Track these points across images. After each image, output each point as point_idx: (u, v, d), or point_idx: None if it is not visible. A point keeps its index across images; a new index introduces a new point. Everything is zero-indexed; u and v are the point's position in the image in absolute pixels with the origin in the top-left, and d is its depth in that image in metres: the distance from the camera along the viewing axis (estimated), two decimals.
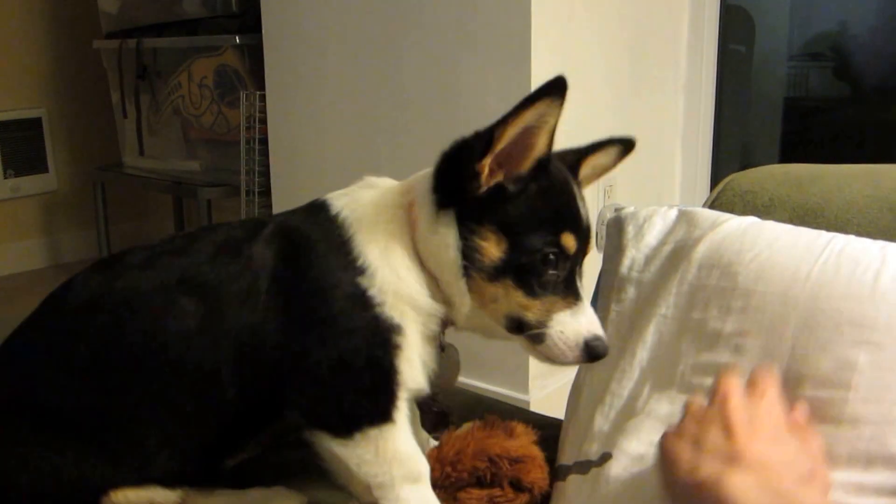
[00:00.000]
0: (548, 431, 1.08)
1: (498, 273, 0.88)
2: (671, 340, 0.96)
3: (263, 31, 2.49)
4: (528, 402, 1.92)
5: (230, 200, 2.95)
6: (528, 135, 0.86)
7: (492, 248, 0.87)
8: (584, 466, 0.95)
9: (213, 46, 2.78)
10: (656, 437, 0.81)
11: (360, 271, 0.89)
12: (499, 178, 0.87)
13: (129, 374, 0.91)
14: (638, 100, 2.25)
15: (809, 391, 0.83)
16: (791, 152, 2.64)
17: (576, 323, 0.89)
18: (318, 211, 0.95)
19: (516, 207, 0.88)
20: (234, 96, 2.74)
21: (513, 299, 0.88)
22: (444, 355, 0.96)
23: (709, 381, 0.88)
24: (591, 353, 0.89)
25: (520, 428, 1.04)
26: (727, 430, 0.73)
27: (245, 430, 0.97)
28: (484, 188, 0.87)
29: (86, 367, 0.92)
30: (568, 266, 0.89)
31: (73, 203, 3.81)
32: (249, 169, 2.68)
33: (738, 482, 0.68)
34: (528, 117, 0.85)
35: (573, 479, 0.96)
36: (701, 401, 0.80)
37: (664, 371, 0.95)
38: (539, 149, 0.87)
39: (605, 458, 0.92)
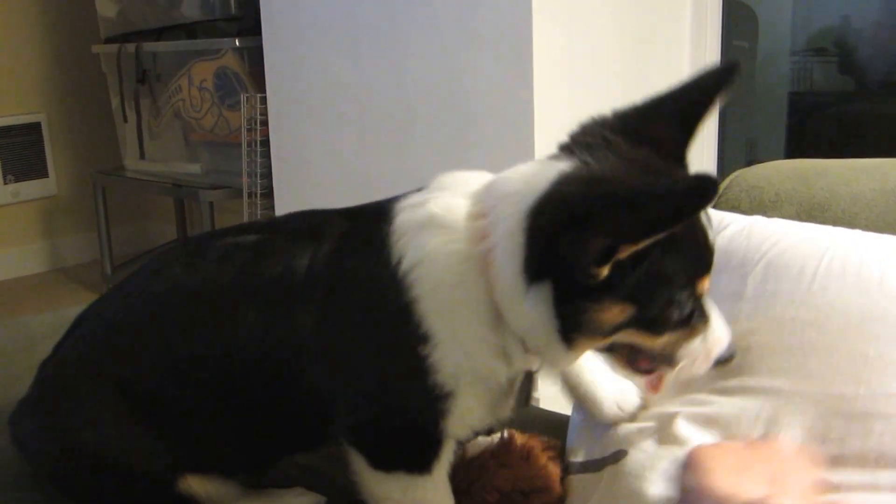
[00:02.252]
0: (558, 427, 1.07)
1: (616, 330, 0.76)
2: None
3: (263, 34, 2.49)
4: (538, 399, 1.93)
5: (232, 202, 2.95)
6: None
7: (613, 317, 0.74)
8: (597, 464, 0.94)
9: (213, 49, 2.77)
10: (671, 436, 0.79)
11: (423, 339, 0.80)
12: (619, 255, 0.71)
13: (199, 367, 0.90)
14: (641, 97, 2.23)
15: (819, 387, 0.82)
16: (797, 147, 2.63)
17: (706, 347, 0.79)
18: (378, 252, 0.82)
19: (641, 277, 0.72)
20: (234, 99, 2.74)
21: (633, 341, 0.79)
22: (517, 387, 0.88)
23: (720, 381, 0.88)
24: (723, 362, 0.82)
25: (538, 447, 1.01)
26: (772, 465, 0.71)
27: (308, 431, 0.95)
28: (602, 278, 0.72)
29: (161, 352, 0.92)
30: (699, 300, 0.78)
31: (73, 207, 3.80)
32: (251, 171, 2.68)
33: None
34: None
35: (586, 476, 0.96)
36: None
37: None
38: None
39: (620, 455, 0.91)
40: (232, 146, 2.79)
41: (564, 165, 0.76)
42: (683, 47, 2.40)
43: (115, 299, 1.00)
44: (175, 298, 0.92)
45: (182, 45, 2.89)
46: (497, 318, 0.79)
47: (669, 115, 0.83)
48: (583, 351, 0.80)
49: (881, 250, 0.92)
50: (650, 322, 0.76)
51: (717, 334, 0.80)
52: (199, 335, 0.91)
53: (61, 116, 3.73)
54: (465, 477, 0.97)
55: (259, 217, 2.67)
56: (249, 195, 2.71)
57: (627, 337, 0.77)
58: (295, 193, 2.53)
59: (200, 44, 2.82)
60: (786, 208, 1.11)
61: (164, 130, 3.11)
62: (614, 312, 0.74)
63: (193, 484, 0.94)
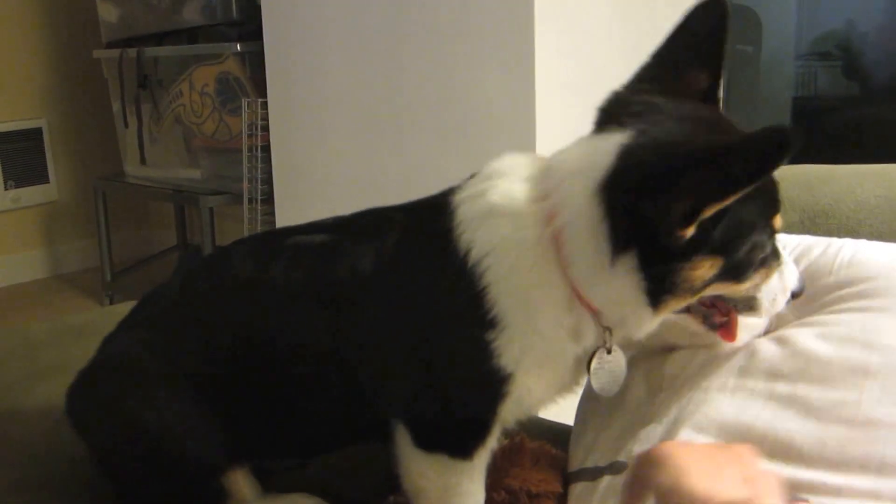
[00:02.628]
0: (559, 437, 1.06)
1: (707, 285, 0.76)
2: (683, 350, 0.95)
3: (265, 38, 2.48)
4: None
5: (232, 208, 2.94)
6: None
7: (704, 272, 0.75)
8: (594, 473, 0.94)
9: (214, 54, 2.77)
10: None
11: (491, 325, 0.79)
12: (704, 215, 0.71)
13: (266, 364, 0.92)
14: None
15: (820, 394, 0.82)
16: (801, 153, 2.60)
17: (783, 283, 0.83)
18: (444, 247, 0.82)
19: (726, 229, 0.73)
20: (235, 104, 2.73)
21: (719, 291, 0.80)
22: (604, 365, 0.86)
23: (722, 378, 0.87)
24: (793, 297, 0.85)
25: (547, 456, 1.02)
26: (741, 466, 0.69)
27: (365, 423, 0.95)
28: (687, 238, 0.72)
29: (229, 346, 0.93)
30: (774, 237, 0.80)
31: (74, 213, 3.80)
32: (252, 177, 2.67)
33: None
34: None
35: (583, 485, 0.95)
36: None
37: (676, 380, 0.93)
38: None
39: (619, 467, 0.90)
40: (232, 152, 2.78)
41: (621, 137, 0.76)
42: None
43: (185, 285, 1.01)
44: (246, 295, 0.94)
45: (183, 49, 2.89)
46: (569, 297, 0.79)
47: (691, 63, 0.84)
48: (668, 312, 0.80)
49: (886, 258, 0.91)
50: (737, 270, 0.77)
51: (790, 267, 0.82)
52: (268, 335, 0.92)
53: (62, 122, 3.73)
54: None
55: (259, 223, 2.66)
56: (250, 201, 2.70)
57: (714, 289, 0.78)
58: (296, 199, 2.52)
59: (202, 48, 2.82)
60: (790, 215, 1.09)
61: (165, 136, 3.11)
62: (705, 268, 0.74)
63: (238, 481, 0.96)
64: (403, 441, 0.88)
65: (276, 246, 0.96)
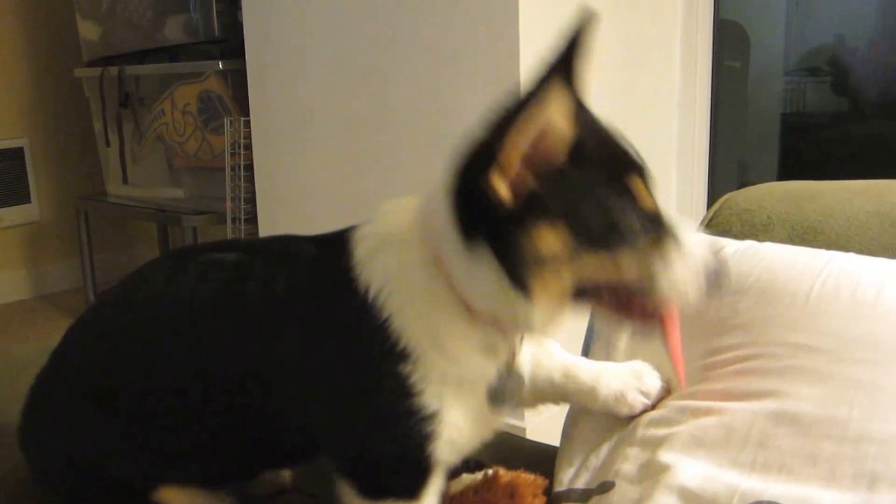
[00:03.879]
0: (543, 458, 1.04)
1: (562, 259, 0.73)
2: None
3: (247, 56, 2.46)
4: (523, 430, 1.90)
5: (216, 227, 2.92)
6: (546, 130, 0.73)
7: (550, 241, 0.73)
8: (582, 495, 0.92)
9: (197, 73, 2.75)
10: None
11: (402, 357, 0.79)
12: (528, 182, 0.72)
13: (178, 382, 0.91)
14: (631, 119, 2.20)
15: (810, 409, 0.80)
16: (789, 169, 2.60)
17: (687, 264, 0.75)
18: (347, 285, 0.83)
19: (554, 189, 0.72)
20: (218, 122, 2.71)
21: (594, 276, 0.75)
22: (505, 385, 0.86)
23: (704, 405, 0.86)
24: (715, 282, 0.76)
25: (524, 485, 0.98)
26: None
27: (291, 447, 0.94)
28: (514, 203, 0.72)
29: (140, 365, 0.93)
30: (648, 208, 0.76)
31: (56, 233, 3.77)
32: (235, 196, 2.65)
33: None
34: (536, 122, 0.71)
35: None
36: None
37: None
38: (564, 136, 0.73)
39: (607, 486, 0.88)
40: (216, 171, 2.75)
41: None
42: (674, 68, 2.38)
43: (100, 310, 1.03)
44: (155, 312, 0.93)
45: (165, 68, 2.87)
46: (466, 310, 0.79)
47: None
48: (549, 299, 0.76)
49: (875, 273, 0.90)
50: (593, 239, 0.73)
51: (690, 247, 0.75)
52: (178, 351, 0.91)
53: (44, 141, 3.70)
54: None
55: None
56: (233, 220, 2.67)
57: (583, 271, 0.74)
58: (279, 218, 2.50)
59: (183, 67, 2.79)
60: (778, 231, 1.09)
61: (148, 155, 3.09)
62: (549, 236, 0.73)
63: (169, 495, 0.95)
64: (348, 494, 0.87)
65: (187, 262, 0.96)
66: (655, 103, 2.35)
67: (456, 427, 0.83)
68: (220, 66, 2.65)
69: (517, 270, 0.74)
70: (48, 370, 1.01)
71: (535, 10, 1.87)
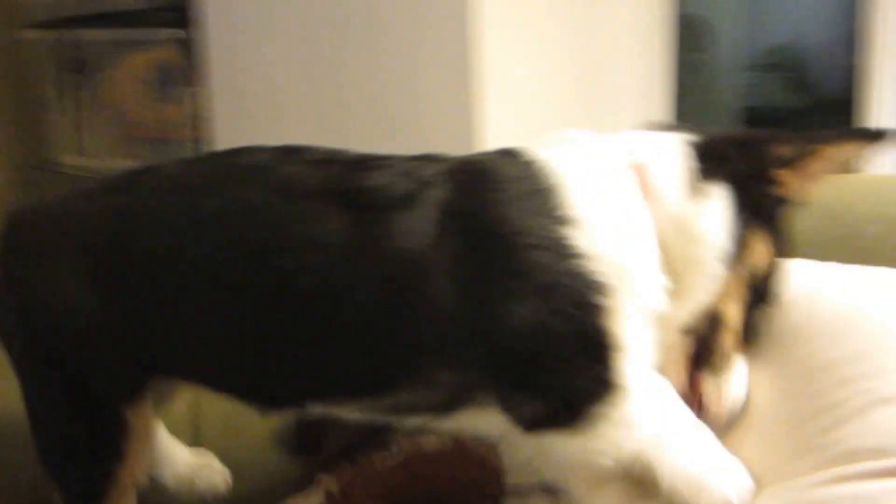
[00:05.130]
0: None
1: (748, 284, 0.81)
2: None
3: (203, 24, 2.39)
4: None
5: None
6: (828, 169, 0.80)
7: (764, 255, 0.81)
8: (525, 491, 0.94)
9: (153, 40, 2.66)
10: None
11: (563, 221, 0.75)
12: (788, 190, 0.82)
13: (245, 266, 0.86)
14: (591, 110, 2.20)
15: (840, 372, 0.80)
16: None
17: (732, 381, 0.82)
18: (512, 154, 0.83)
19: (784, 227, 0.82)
20: (174, 92, 2.64)
21: (727, 310, 0.81)
22: None
23: None
24: (728, 418, 0.85)
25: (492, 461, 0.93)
26: None
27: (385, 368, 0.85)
28: (777, 195, 0.81)
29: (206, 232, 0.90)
30: None
31: (4, 204, 3.63)
32: None
33: None
34: (841, 152, 0.79)
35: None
36: None
37: None
38: (821, 181, 0.82)
39: (548, 487, 0.90)
40: (172, 142, 2.69)
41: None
42: (636, 62, 2.39)
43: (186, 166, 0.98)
44: (250, 180, 0.93)
45: (119, 34, 2.76)
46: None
47: None
48: (720, 289, 0.80)
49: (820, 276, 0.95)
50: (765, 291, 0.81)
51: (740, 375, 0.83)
52: (271, 224, 0.85)
53: None
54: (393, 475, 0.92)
55: None
56: None
57: (742, 300, 0.79)
58: None
59: (139, 34, 2.70)
60: None
61: (101, 125, 2.99)
62: (765, 250, 0.80)
63: (141, 412, 0.85)
64: (540, 438, 0.79)
65: (292, 150, 0.93)
66: (617, 99, 2.36)
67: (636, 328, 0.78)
68: (177, 34, 2.57)
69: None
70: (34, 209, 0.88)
71: None
